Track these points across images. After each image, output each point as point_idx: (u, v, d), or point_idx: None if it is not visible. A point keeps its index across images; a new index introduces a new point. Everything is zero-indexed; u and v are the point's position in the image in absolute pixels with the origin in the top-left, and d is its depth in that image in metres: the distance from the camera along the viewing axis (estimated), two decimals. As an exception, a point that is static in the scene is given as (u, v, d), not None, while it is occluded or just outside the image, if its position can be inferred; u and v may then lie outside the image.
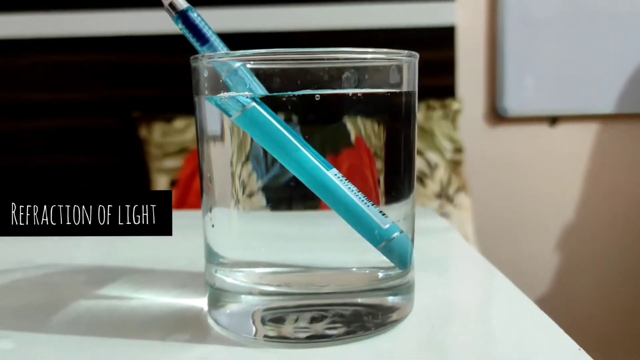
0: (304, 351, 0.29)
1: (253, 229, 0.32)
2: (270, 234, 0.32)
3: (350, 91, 0.29)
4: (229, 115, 0.31)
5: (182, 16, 0.33)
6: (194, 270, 0.41)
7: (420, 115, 1.38)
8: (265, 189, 0.31)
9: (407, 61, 0.31)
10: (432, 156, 1.37)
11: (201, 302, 0.35)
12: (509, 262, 1.58)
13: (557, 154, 1.58)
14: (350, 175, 0.31)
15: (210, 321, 0.33)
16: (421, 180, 1.33)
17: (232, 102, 0.31)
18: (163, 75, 1.47)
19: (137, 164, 1.45)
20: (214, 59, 0.30)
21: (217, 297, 0.32)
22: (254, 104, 0.30)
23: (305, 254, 0.32)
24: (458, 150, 1.41)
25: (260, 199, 0.31)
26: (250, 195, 0.31)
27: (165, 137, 1.40)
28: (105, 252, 0.47)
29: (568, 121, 1.56)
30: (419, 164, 1.35)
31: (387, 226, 0.31)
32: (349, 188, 0.31)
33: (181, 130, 1.40)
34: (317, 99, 0.28)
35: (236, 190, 0.31)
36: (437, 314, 0.34)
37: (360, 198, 0.31)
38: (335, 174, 0.31)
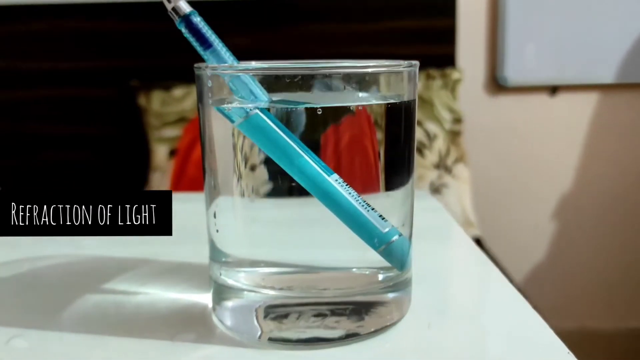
0: (307, 352, 0.30)
1: (255, 219, 0.33)
2: (273, 223, 0.33)
3: (351, 104, 0.30)
4: (232, 121, 0.32)
5: (186, 20, 0.34)
6: (197, 261, 0.42)
7: (419, 84, 1.38)
8: (267, 162, 0.32)
9: (408, 71, 0.31)
10: (431, 126, 1.37)
11: (206, 298, 0.36)
12: (506, 230, 1.60)
13: (557, 123, 1.58)
14: (351, 145, 0.32)
15: (215, 319, 0.34)
16: (420, 151, 1.34)
17: (235, 108, 0.31)
18: (161, 43, 1.45)
19: (136, 134, 1.45)
20: (218, 71, 0.31)
21: (221, 294, 0.33)
22: (256, 110, 0.31)
23: (307, 251, 0.33)
24: (457, 120, 1.42)
25: (263, 172, 0.32)
26: (253, 168, 0.32)
27: (164, 106, 1.40)
28: (110, 241, 0.48)
29: (568, 91, 1.56)
30: (417, 134, 1.35)
31: (386, 230, 0.32)
32: (350, 193, 0.31)
33: (180, 99, 1.40)
34: (319, 112, 0.29)
35: (238, 163, 0.32)
36: (434, 312, 0.35)
37: (360, 203, 0.31)
38: (336, 180, 0.31)
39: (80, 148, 1.51)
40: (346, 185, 0.31)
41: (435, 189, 1.31)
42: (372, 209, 0.32)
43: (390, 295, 0.34)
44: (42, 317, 0.35)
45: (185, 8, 0.33)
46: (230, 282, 0.33)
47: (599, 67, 1.52)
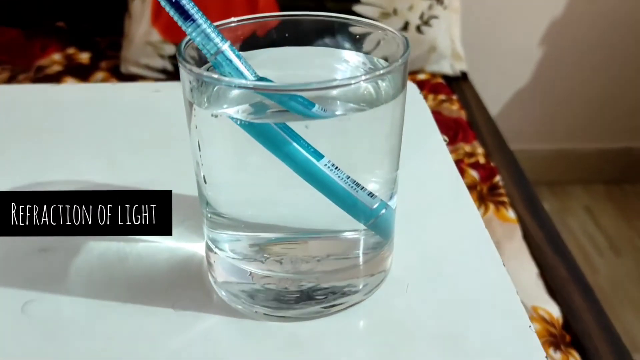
0: (299, 323, 0.33)
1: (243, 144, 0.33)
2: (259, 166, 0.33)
3: (339, 115, 0.30)
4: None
5: (164, -8, 0.32)
6: (188, 192, 0.42)
7: None
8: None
9: (399, 69, 0.31)
10: (424, -48, 1.29)
11: (200, 248, 0.38)
12: (494, 58, 1.59)
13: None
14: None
15: (210, 279, 0.36)
16: (411, -20, 1.28)
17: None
18: None
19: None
20: (202, 75, 0.30)
21: (212, 258, 0.35)
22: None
23: (296, 213, 0.35)
24: (451, -55, 1.34)
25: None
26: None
27: None
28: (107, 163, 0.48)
29: None
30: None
31: (374, 206, 0.34)
32: (339, 176, 0.32)
33: None
34: (306, 127, 0.29)
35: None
36: (412, 274, 0.37)
37: (349, 185, 0.33)
38: (325, 164, 0.32)
39: None
40: (335, 168, 0.32)
41: (425, 22, 1.28)
42: (361, 188, 0.33)
43: (377, 257, 0.36)
44: (50, 277, 0.36)
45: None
46: (219, 252, 0.34)
47: None
